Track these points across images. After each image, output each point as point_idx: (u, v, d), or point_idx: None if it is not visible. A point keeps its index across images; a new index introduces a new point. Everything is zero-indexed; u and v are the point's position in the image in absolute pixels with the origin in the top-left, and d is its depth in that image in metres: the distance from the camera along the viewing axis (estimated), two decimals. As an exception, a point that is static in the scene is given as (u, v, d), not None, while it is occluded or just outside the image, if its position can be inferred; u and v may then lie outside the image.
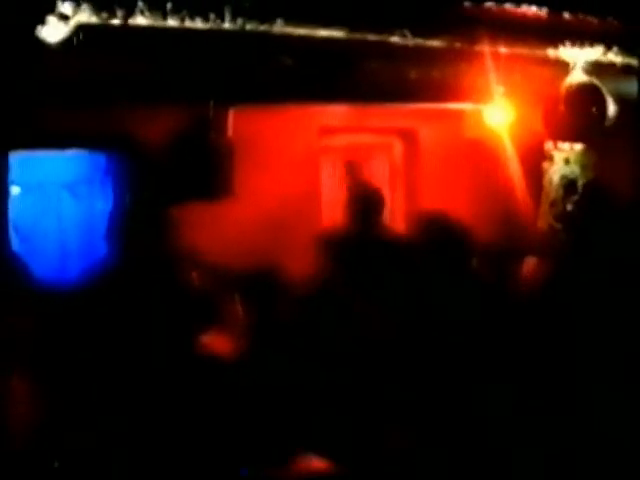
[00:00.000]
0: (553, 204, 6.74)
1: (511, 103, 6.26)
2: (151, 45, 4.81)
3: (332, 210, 6.63)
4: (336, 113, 6.68)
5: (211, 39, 4.79)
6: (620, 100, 6.49)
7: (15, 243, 5.75)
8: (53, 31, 4.25)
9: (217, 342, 4.84)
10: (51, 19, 4.18)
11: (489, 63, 5.83)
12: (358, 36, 5.10)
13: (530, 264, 5.76)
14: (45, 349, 4.69)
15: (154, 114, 5.73)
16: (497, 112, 6.34)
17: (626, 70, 6.47)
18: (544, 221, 6.73)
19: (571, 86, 6.38)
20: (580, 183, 6.69)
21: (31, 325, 4.55)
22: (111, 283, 5.22)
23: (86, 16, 4.32)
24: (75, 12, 4.24)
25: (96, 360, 4.84)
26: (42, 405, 4.62)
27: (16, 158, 5.83)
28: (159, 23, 4.47)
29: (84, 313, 5.06)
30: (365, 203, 5.86)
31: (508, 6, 5.63)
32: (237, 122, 6.24)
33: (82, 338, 4.91)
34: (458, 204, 6.84)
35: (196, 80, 5.16)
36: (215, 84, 5.27)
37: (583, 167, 6.69)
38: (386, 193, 7.44)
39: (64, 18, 4.21)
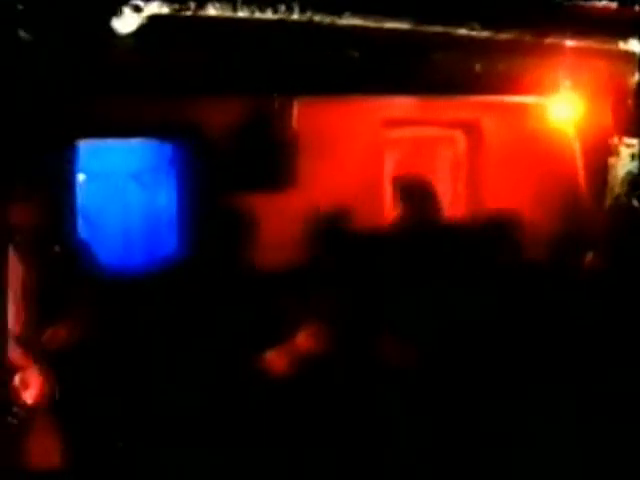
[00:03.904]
0: (617, 199, 6.66)
1: (578, 97, 6.19)
2: (220, 36, 4.85)
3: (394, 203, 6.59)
4: (400, 105, 6.65)
5: (279, 30, 4.81)
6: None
7: (82, 230, 5.85)
8: (126, 22, 4.31)
9: (279, 360, 4.87)
10: (125, 10, 4.24)
11: (557, 56, 5.78)
12: (425, 28, 5.08)
13: (591, 259, 5.71)
14: (109, 334, 4.78)
15: (220, 104, 5.77)
16: (563, 106, 6.28)
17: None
18: (608, 216, 6.65)
19: (640, 80, 6.30)
20: (646, 179, 6.60)
21: (96, 310, 4.63)
22: (175, 272, 5.29)
23: (157, 7, 4.37)
24: (147, 3, 4.29)
25: (156, 347, 4.92)
26: (106, 386, 4.72)
27: (84, 147, 5.94)
28: (229, 14, 4.50)
29: (147, 300, 5.14)
30: (415, 196, 5.84)
31: (578, -1, 5.57)
32: (301, 113, 6.27)
33: (144, 324, 4.99)
34: (521, 198, 6.80)
35: (263, 71, 5.18)
36: (282, 75, 5.29)
37: (650, 163, 6.61)
38: (448, 186, 7.44)
39: (137, 9, 4.27)
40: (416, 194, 5.75)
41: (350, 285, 5.18)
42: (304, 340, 4.84)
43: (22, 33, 4.07)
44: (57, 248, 4.73)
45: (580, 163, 6.67)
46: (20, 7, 3.98)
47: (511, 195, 6.70)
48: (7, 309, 3.89)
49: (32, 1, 4.04)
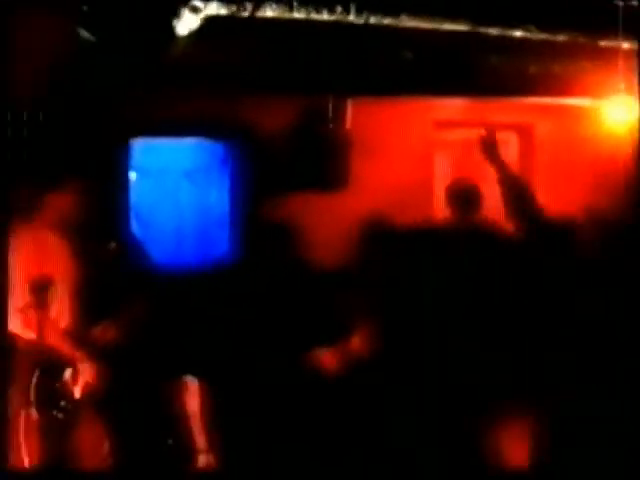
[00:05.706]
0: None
1: (633, 100, 6.12)
2: (277, 37, 4.89)
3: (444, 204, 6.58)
4: (452, 107, 6.62)
5: (336, 31, 4.83)
6: None
7: (134, 228, 5.91)
8: (185, 23, 4.36)
9: (331, 359, 4.92)
10: (184, 11, 4.28)
11: (612, 59, 5.72)
12: (482, 30, 5.06)
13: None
14: (159, 331, 4.84)
15: (274, 105, 5.80)
16: (618, 109, 6.20)
17: None
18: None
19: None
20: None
21: (147, 307, 4.68)
22: (228, 271, 5.34)
23: (215, 8, 4.41)
24: (206, 5, 4.33)
25: (208, 345, 4.97)
26: (155, 383, 4.78)
27: (138, 144, 6.00)
28: (286, 15, 4.53)
29: (198, 299, 5.19)
30: (462, 197, 5.83)
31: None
32: (355, 114, 6.27)
33: (196, 322, 5.04)
34: (572, 202, 6.73)
35: (318, 71, 5.21)
36: (337, 76, 5.31)
37: None
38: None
39: (195, 10, 4.31)
40: (465, 199, 5.77)
41: (398, 286, 5.21)
42: (357, 342, 4.88)
43: (84, 33, 4.13)
44: (113, 244, 4.79)
45: (635, 168, 6.59)
46: (84, 8, 4.04)
47: (563, 199, 6.64)
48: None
49: (95, 2, 4.11)
